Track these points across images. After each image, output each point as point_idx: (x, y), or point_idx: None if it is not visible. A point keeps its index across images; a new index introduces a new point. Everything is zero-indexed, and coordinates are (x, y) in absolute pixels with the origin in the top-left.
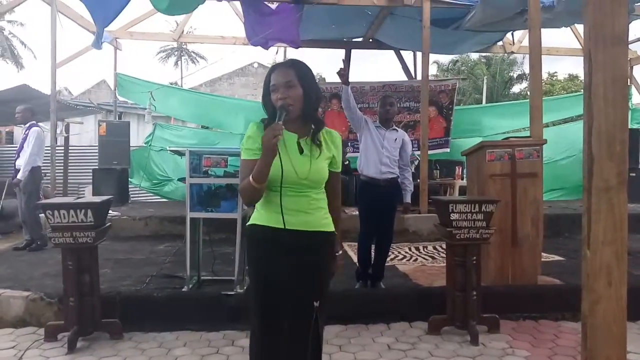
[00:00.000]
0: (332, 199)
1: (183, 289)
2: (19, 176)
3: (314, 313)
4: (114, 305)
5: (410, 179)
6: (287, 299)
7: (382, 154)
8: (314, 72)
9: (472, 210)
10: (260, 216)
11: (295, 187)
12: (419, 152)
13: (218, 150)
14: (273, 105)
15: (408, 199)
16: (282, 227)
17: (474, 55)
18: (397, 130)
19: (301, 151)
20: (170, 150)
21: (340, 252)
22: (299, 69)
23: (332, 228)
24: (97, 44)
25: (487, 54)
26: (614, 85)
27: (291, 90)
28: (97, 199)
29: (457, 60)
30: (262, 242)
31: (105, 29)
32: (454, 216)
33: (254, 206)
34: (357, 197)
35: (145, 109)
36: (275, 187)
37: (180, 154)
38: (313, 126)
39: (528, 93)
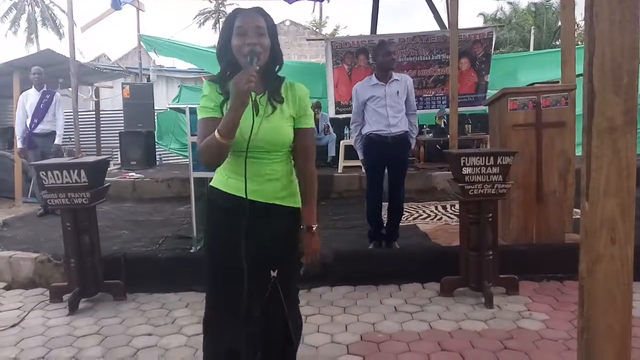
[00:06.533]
0: (304, 161)
1: (191, 250)
2: (57, 142)
3: (270, 283)
4: (119, 266)
5: (416, 124)
6: (241, 266)
7: (388, 116)
8: (343, 25)
9: (487, 164)
10: (219, 180)
11: (252, 152)
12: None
13: None
14: (232, 54)
15: (411, 145)
16: (243, 195)
17: (524, 4)
18: (398, 80)
19: (257, 110)
20: (170, 108)
21: (314, 227)
22: (268, 19)
23: (292, 202)
24: (116, 3)
25: (537, 0)
26: (622, 3)
27: (262, 38)
28: (91, 158)
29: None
30: (221, 208)
31: None
32: (466, 170)
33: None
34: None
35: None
36: (234, 150)
37: (181, 111)
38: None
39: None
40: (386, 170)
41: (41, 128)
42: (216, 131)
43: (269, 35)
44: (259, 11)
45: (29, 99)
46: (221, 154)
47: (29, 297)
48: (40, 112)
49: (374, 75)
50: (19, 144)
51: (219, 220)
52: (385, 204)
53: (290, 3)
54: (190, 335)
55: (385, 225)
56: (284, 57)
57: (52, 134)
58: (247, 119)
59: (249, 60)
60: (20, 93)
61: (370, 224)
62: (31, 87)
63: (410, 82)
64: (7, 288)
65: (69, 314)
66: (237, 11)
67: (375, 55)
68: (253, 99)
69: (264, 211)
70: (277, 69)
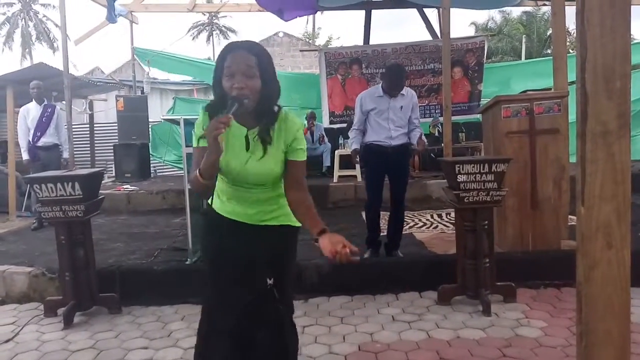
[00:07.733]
0: (296, 191)
1: (186, 262)
2: (65, 155)
3: (266, 290)
4: (114, 279)
5: (421, 132)
6: (238, 274)
7: (390, 129)
8: (336, 36)
9: (481, 171)
10: (214, 200)
11: (238, 183)
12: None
13: None
14: (224, 90)
15: (419, 137)
16: (230, 218)
17: (516, 13)
18: (404, 95)
19: (248, 147)
20: (164, 120)
21: (323, 231)
22: (262, 58)
23: (288, 221)
24: (111, 17)
25: (528, 8)
26: (613, 8)
27: (251, 80)
28: (85, 171)
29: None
30: (214, 226)
31: (119, 2)
32: (461, 178)
33: None
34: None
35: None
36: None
37: (175, 122)
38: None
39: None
40: (387, 180)
41: (44, 141)
42: (197, 171)
43: (261, 73)
44: (252, 48)
45: (31, 113)
46: (204, 191)
47: (23, 312)
48: (43, 126)
49: (381, 86)
50: (24, 156)
51: (212, 237)
52: (384, 213)
53: (286, 21)
54: (186, 348)
55: (387, 234)
56: (277, 68)
57: (54, 147)
58: (237, 156)
59: (229, 104)
60: (15, 107)
61: (369, 229)
62: (31, 101)
63: (415, 99)
64: (1, 303)
65: (64, 328)
66: (229, 49)
67: (388, 75)
68: (245, 134)
69: (256, 232)
70: (273, 104)
